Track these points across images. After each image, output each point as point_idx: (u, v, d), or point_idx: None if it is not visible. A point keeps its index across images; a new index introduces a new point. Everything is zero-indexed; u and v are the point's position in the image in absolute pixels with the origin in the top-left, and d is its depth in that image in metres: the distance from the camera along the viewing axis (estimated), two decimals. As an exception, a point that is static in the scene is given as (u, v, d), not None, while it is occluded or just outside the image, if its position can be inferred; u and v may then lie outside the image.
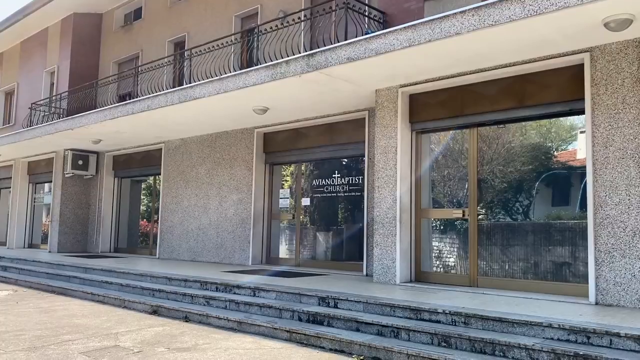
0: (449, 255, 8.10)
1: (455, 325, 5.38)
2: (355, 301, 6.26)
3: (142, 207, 15.68)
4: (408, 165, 8.06)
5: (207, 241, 12.14)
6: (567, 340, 4.69)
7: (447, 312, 5.47)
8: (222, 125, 11.51)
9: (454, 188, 8.20)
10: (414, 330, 5.33)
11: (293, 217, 10.92)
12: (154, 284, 8.95)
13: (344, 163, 10.51)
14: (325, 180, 10.47)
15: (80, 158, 15.36)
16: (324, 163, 10.79)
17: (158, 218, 13.71)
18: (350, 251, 10.20)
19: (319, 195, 10.60)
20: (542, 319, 4.96)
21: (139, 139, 13.59)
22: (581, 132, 6.75)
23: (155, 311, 7.73)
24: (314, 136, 10.53)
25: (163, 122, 11.31)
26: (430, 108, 7.95)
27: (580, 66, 6.47)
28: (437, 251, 8.22)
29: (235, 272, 9.61)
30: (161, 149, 13.75)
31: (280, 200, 11.34)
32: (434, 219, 8.17)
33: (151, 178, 14.97)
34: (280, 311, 6.59)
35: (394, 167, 7.95)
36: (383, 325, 5.58)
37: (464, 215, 7.56)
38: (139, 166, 14.82)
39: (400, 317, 5.80)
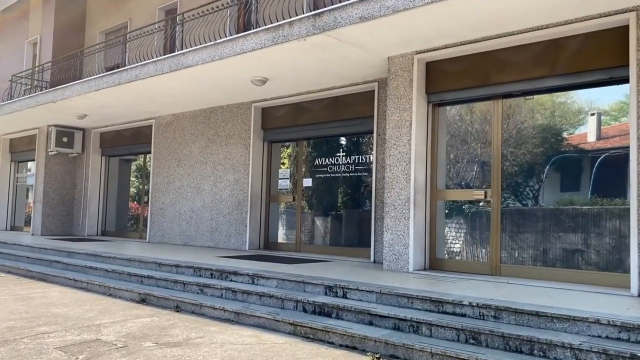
0: (467, 241, 7.56)
1: (483, 319, 4.84)
2: (367, 291, 5.71)
3: (133, 189, 15.08)
4: (423, 141, 7.47)
5: (200, 224, 11.58)
6: (619, 339, 4.15)
7: (473, 304, 4.93)
8: (217, 99, 10.88)
9: (473, 167, 7.63)
10: (437, 325, 4.79)
11: (293, 199, 10.35)
12: (142, 269, 8.39)
13: (349, 140, 9.93)
14: (328, 160, 9.88)
15: (65, 135, 14.71)
16: (327, 141, 10.20)
17: (148, 199, 13.12)
18: (356, 236, 9.66)
19: (322, 175, 10.02)
20: (587, 313, 4.42)
21: (127, 114, 12.94)
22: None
23: (143, 300, 7.19)
24: (317, 111, 9.92)
25: (153, 95, 10.67)
26: (449, 77, 7.34)
27: (624, 28, 5.86)
28: (454, 236, 7.67)
29: (231, 257, 9.06)
30: (151, 125, 13.13)
31: (279, 181, 10.76)
32: (450, 201, 7.59)
33: (141, 157, 14.36)
34: (283, 301, 6.05)
35: (408, 143, 7.36)
36: (400, 319, 5.04)
37: (486, 196, 6.99)
38: (128, 144, 14.20)
39: (420, 310, 5.25)
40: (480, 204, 7.22)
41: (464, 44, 7.01)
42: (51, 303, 7.06)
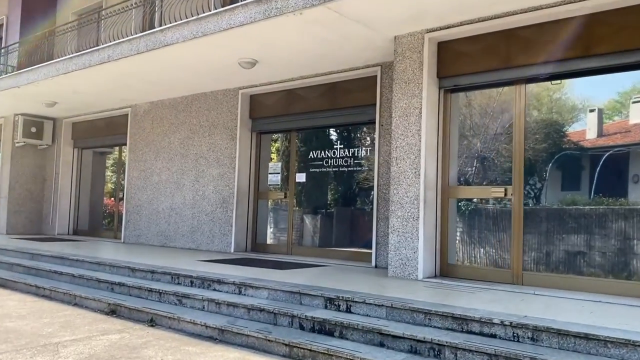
0: (481, 245, 6.86)
1: (519, 341, 4.13)
2: (375, 304, 4.98)
3: (110, 184, 14.20)
4: (434, 132, 6.76)
5: (180, 224, 10.77)
6: (695, 371, 3.46)
7: (506, 323, 4.21)
8: (200, 85, 10.07)
9: (490, 161, 6.93)
10: (464, 349, 4.07)
11: (285, 196, 9.59)
12: (113, 275, 7.59)
13: (348, 131, 9.19)
14: (324, 152, 9.14)
15: (34, 125, 13.79)
16: (323, 132, 9.46)
17: (123, 196, 12.27)
18: (356, 238, 8.94)
19: (317, 170, 9.27)
20: (650, 337, 3.73)
21: (101, 102, 12.07)
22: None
23: (113, 311, 6.39)
24: (312, 99, 9.16)
25: (128, 79, 9.83)
26: (464, 59, 6.63)
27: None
28: (466, 239, 6.97)
29: (215, 261, 8.28)
30: (127, 114, 12.27)
31: (269, 175, 9.98)
32: (462, 200, 6.88)
33: (117, 149, 13.50)
34: (275, 316, 5.29)
35: (417, 133, 6.64)
36: (418, 340, 4.31)
37: (506, 194, 6.29)
38: (102, 135, 13.33)
39: (440, 329, 4.53)
40: (495, 202, 6.52)
41: (482, 21, 6.30)
42: (5, 315, 6.24)
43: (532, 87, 6.35)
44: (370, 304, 5.01)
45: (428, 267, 6.58)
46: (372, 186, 8.20)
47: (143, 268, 7.33)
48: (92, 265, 8.13)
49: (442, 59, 6.78)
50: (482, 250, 6.85)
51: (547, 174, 6.33)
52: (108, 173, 14.48)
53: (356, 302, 5.11)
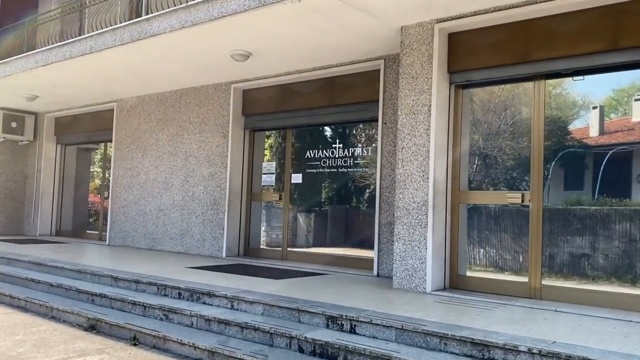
0: (493, 254, 6.43)
1: (551, 374, 3.68)
2: (383, 325, 4.52)
3: (97, 181, 13.66)
4: (444, 131, 6.30)
5: (169, 226, 10.26)
6: None
7: (534, 350, 3.77)
8: (190, 79, 9.55)
9: (505, 164, 6.50)
10: (489, 383, 3.62)
11: (280, 198, 9.10)
12: (94, 284, 7.09)
13: (348, 130, 8.73)
14: (322, 152, 8.67)
15: (14, 119, 13.20)
16: (321, 130, 9.01)
17: (109, 195, 11.75)
18: (355, 244, 8.48)
19: (314, 170, 8.80)
20: None
21: (84, 96, 11.52)
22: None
23: (92, 327, 5.90)
24: (309, 94, 8.68)
25: (113, 72, 9.30)
26: (478, 52, 6.17)
27: None
28: (478, 247, 6.53)
29: (205, 268, 7.80)
30: (113, 109, 11.73)
31: (263, 176, 9.50)
32: (471, 205, 6.44)
33: (103, 146, 12.97)
34: (272, 336, 4.82)
35: (426, 132, 6.17)
36: (435, 371, 3.86)
37: (523, 200, 5.84)
38: (86, 131, 12.79)
39: (457, 355, 4.08)
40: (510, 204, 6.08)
41: (498, 10, 5.83)
42: (-27, 331, 5.74)
43: (552, 82, 5.89)
44: (378, 324, 4.55)
45: (437, 278, 6.13)
46: (374, 189, 7.74)
47: (127, 277, 6.84)
48: (72, 273, 7.63)
49: (453, 52, 6.31)
50: (494, 260, 6.41)
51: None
52: (96, 169, 13.94)
53: (362, 321, 4.65)
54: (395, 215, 6.37)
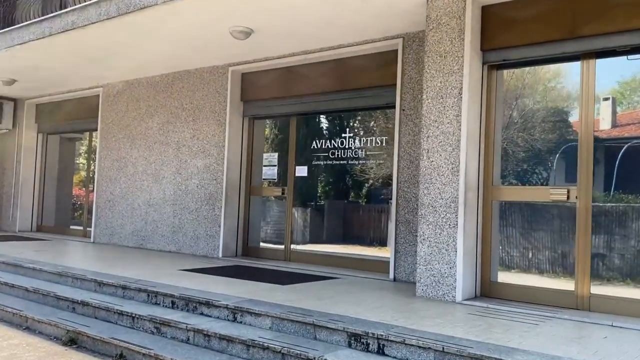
0: (529, 257, 5.78)
1: (637, 413, 3.03)
2: (419, 346, 3.85)
3: (82, 172, 12.92)
4: (477, 118, 5.63)
5: (160, 222, 9.54)
6: None
7: (613, 384, 3.11)
8: (183, 60, 8.82)
9: (544, 155, 5.85)
10: None
11: (282, 193, 8.40)
12: (76, 290, 6.39)
13: (360, 117, 8.05)
14: (331, 142, 7.99)
15: (-9, 106, 12.45)
16: (330, 117, 8.32)
17: (94, 188, 11.01)
18: (368, 243, 7.80)
19: (321, 162, 8.12)
20: None
21: (68, 80, 10.76)
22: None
23: (72, 340, 5.21)
24: (316, 78, 7.98)
25: (98, 52, 8.54)
26: (517, 27, 5.50)
27: None
28: (511, 251, 5.89)
29: (201, 270, 7.10)
30: (99, 95, 10.97)
31: (264, 168, 8.79)
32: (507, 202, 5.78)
33: (87, 135, 12.24)
34: (283, 357, 4.14)
35: (456, 119, 5.50)
36: (490, 407, 3.19)
37: (569, 197, 5.18)
38: (70, 118, 12.05)
39: (515, 387, 3.41)
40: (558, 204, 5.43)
41: (542, -21, 5.15)
42: None
43: (602, 62, 5.21)
44: (412, 345, 3.88)
45: (467, 286, 5.47)
46: (388, 183, 7.09)
47: (113, 282, 6.13)
48: (52, 276, 6.91)
49: (487, 28, 5.63)
50: (531, 264, 5.76)
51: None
52: (81, 160, 13.19)
53: (392, 341, 3.98)
54: (419, 214, 5.69)
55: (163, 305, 5.54)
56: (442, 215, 5.52)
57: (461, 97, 5.49)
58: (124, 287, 5.99)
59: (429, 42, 5.74)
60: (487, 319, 4.71)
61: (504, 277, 5.73)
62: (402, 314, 4.76)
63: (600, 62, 5.17)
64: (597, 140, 5.28)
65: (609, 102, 5.41)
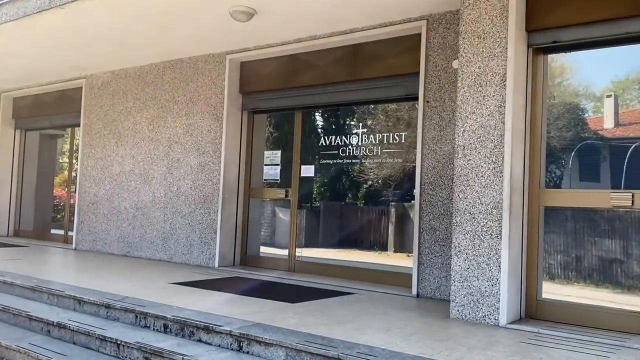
0: (584, 273, 5.06)
1: None
2: (477, 391, 3.10)
3: (65, 174, 12.10)
4: (522, 109, 4.91)
5: (148, 227, 8.76)
6: None
7: None
8: (176, 47, 8.06)
9: (588, 152, 5.15)
10: None
11: (286, 195, 7.66)
12: (52, 308, 5.61)
13: (376, 110, 7.32)
14: (342, 139, 7.28)
15: (-37, 100, 11.63)
16: (341, 111, 7.57)
17: (76, 189, 10.21)
18: (383, 253, 7.06)
19: (331, 161, 7.40)
20: None
21: (47, 71, 9.98)
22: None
23: (45, 373, 4.42)
24: (325, 66, 7.26)
25: (79, 37, 7.76)
26: (569, 4, 4.77)
27: None
28: (557, 264, 5.17)
29: (195, 284, 6.34)
30: (81, 87, 10.19)
31: (265, 168, 8.05)
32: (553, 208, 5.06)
33: (70, 131, 11.44)
34: (305, 403, 3.38)
35: (498, 111, 4.78)
36: None
37: (633, 203, 4.47)
38: (50, 113, 11.25)
39: None
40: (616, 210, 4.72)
41: (603, -55, 4.44)
42: None
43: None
44: (469, 390, 3.14)
45: (512, 306, 4.75)
46: (407, 185, 6.39)
47: (95, 299, 5.35)
48: (25, 291, 6.12)
49: (533, 4, 4.92)
50: (583, 279, 5.05)
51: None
52: (64, 159, 12.37)
53: (442, 384, 3.24)
54: (454, 221, 4.96)
55: (154, 329, 4.77)
56: (481, 224, 4.79)
57: (504, 85, 4.76)
58: (108, 306, 5.21)
59: (464, 21, 5.01)
60: (544, 349, 3.98)
61: (550, 294, 5.01)
62: (442, 344, 4.02)
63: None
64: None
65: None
